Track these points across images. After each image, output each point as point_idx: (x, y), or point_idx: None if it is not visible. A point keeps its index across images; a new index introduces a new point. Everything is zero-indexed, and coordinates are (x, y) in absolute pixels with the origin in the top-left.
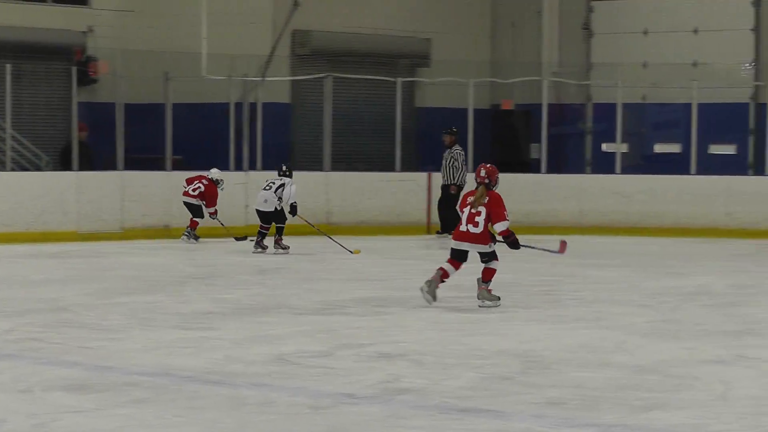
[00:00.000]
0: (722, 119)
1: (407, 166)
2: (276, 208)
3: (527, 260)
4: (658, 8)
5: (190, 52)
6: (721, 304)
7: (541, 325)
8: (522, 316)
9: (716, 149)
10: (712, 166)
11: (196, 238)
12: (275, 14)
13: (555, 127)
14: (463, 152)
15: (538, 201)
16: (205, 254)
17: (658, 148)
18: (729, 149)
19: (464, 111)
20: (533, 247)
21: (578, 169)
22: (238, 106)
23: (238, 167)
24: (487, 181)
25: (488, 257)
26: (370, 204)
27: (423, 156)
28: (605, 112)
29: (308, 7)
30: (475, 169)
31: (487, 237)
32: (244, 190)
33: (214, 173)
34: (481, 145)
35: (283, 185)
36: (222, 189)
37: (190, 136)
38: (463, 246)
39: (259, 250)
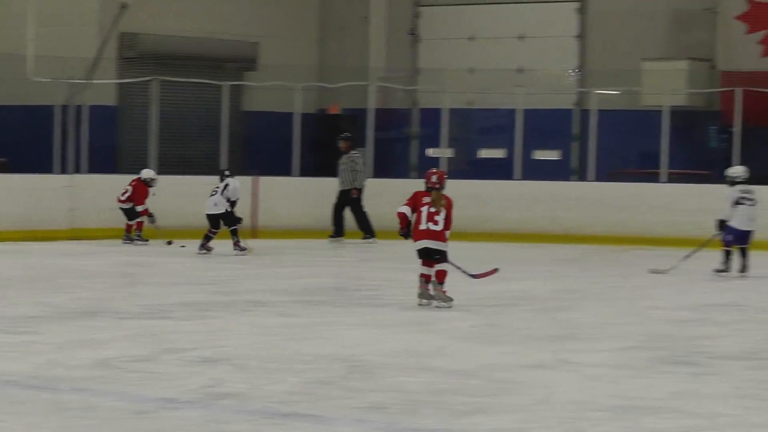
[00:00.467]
0: (547, 125)
1: (234, 170)
2: (226, 210)
3: (352, 264)
4: (484, 14)
5: (15, 53)
6: (545, 308)
7: (364, 330)
8: (346, 321)
9: (541, 155)
10: (537, 171)
11: (145, 240)
12: (102, 16)
13: (381, 131)
14: (361, 156)
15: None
16: (30, 257)
17: (484, 153)
18: (553, 155)
19: (291, 115)
20: (457, 267)
21: (404, 173)
22: (65, 108)
23: (64, 170)
24: (438, 186)
25: (443, 257)
26: (197, 208)
27: (250, 160)
28: (431, 117)
29: (136, 9)
30: (425, 175)
31: (445, 236)
32: (70, 194)
33: (144, 173)
34: (307, 150)
35: (227, 185)
36: (153, 188)
37: (15, 139)
38: (425, 244)
39: (204, 251)
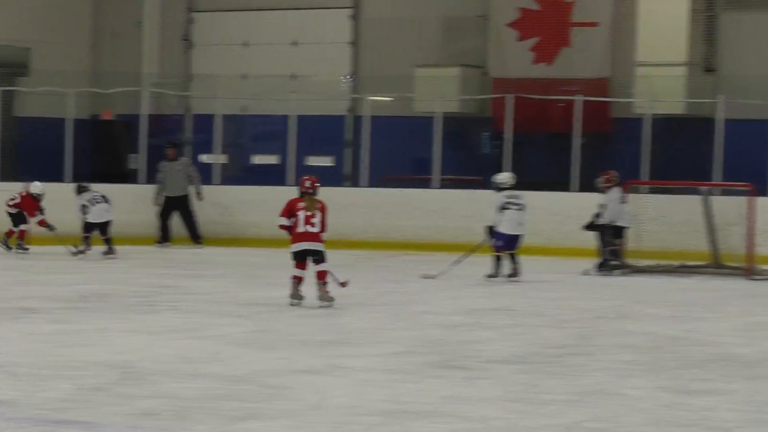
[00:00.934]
0: (320, 131)
1: (6, 176)
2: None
3: (124, 271)
4: (258, 20)
5: None
6: (317, 314)
7: (137, 336)
8: (118, 327)
9: (314, 161)
10: None
11: (25, 248)
12: None
13: (155, 137)
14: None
15: (137, 212)
16: None
17: (257, 159)
18: (326, 161)
19: (64, 121)
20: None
21: None
22: None
23: None
24: (311, 191)
25: (322, 257)
26: None
27: (22, 166)
28: (205, 123)
29: None
30: (299, 181)
31: (322, 238)
32: None
33: (33, 187)
34: (81, 156)
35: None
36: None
37: None
38: (304, 246)
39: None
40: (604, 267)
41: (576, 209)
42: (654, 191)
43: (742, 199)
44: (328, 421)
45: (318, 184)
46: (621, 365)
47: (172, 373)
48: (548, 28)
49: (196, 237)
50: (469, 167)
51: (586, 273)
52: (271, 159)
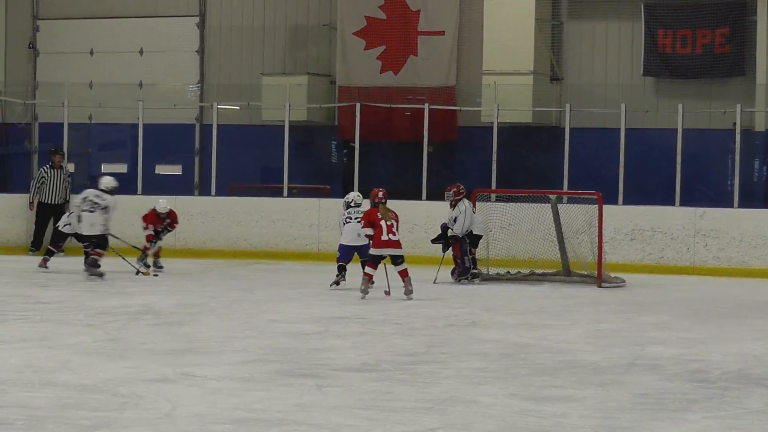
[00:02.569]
0: (169, 139)
1: None
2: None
3: None
4: (105, 28)
5: None
6: (166, 323)
7: None
8: None
9: (163, 169)
10: (160, 186)
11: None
12: None
13: (0, 146)
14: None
15: None
16: None
17: (105, 167)
18: (175, 169)
19: None
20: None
21: (25, 189)
22: None
23: None
24: (384, 201)
25: (402, 260)
26: None
27: None
28: (52, 131)
29: None
30: (371, 193)
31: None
32: None
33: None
34: None
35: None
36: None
37: None
38: (386, 252)
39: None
40: (464, 275)
41: (425, 217)
42: (501, 199)
43: (591, 207)
44: (180, 430)
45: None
46: (472, 372)
47: (23, 382)
48: (394, 36)
49: (35, 242)
50: (318, 176)
51: (436, 281)
52: (120, 168)
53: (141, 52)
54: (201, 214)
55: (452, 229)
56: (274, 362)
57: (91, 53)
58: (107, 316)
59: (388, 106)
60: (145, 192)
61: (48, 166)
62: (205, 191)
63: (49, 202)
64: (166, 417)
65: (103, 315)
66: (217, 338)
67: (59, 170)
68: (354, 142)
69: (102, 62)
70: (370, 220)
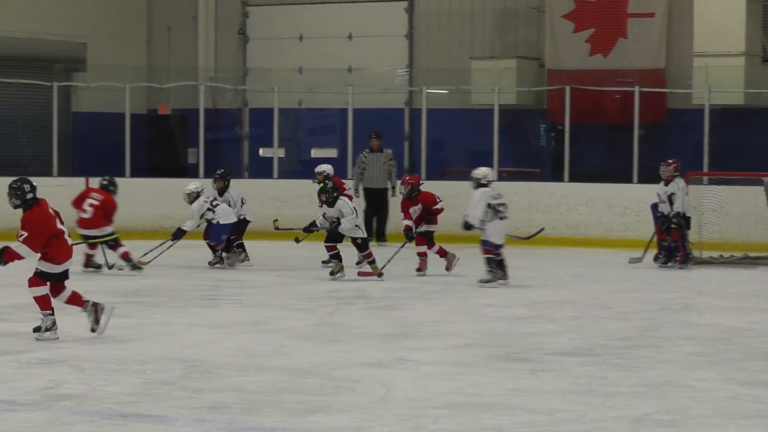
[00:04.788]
0: (378, 124)
1: (63, 171)
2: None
3: (187, 266)
4: (313, 14)
5: None
6: (379, 307)
7: (200, 330)
8: (181, 321)
9: (318, 153)
10: None
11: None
12: None
13: (212, 132)
14: None
15: None
16: None
17: (315, 152)
18: (331, 153)
19: (121, 116)
20: None
21: (236, 174)
22: None
23: None
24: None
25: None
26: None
27: (80, 161)
28: (261, 117)
29: None
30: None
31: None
32: None
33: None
34: (137, 151)
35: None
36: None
37: None
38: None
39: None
40: (686, 261)
41: (636, 201)
42: (714, 182)
43: None
44: (395, 414)
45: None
46: (687, 357)
47: (237, 366)
48: (604, 19)
49: (381, 234)
50: (527, 159)
51: (633, 260)
52: (330, 152)
53: (350, 37)
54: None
55: (672, 209)
56: (487, 346)
57: (301, 38)
58: (319, 300)
59: (598, 89)
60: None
61: (367, 150)
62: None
63: (372, 186)
64: (380, 401)
65: (315, 299)
66: (429, 322)
67: (378, 153)
68: (563, 125)
69: (311, 47)
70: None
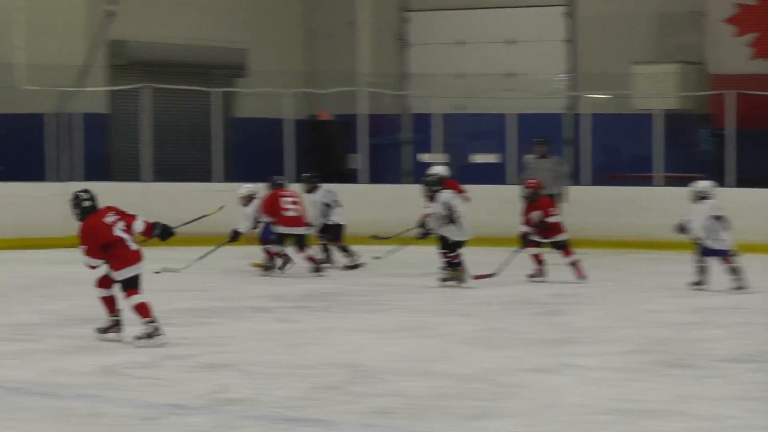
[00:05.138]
0: (538, 129)
1: (224, 177)
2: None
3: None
4: (473, 19)
5: (3, 62)
6: (543, 312)
7: (364, 335)
8: (345, 326)
9: (480, 158)
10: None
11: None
12: (90, 24)
13: (372, 137)
14: None
15: (358, 211)
16: (25, 265)
17: (477, 158)
18: (494, 158)
19: (281, 121)
20: None
21: (396, 179)
22: (55, 116)
23: (58, 178)
24: None
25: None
26: (189, 215)
27: (240, 167)
28: (421, 122)
29: (124, 17)
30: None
31: None
32: (62, 202)
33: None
34: (298, 156)
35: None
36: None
37: (6, 147)
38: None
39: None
40: None
41: None
42: None
43: None
44: (562, 420)
45: None
46: None
47: (402, 371)
48: (767, 23)
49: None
50: (689, 164)
51: None
52: (491, 158)
53: (509, 42)
54: (574, 204)
55: None
56: (652, 352)
57: (460, 44)
58: (483, 305)
59: (763, 94)
60: (517, 182)
61: (534, 155)
62: (576, 180)
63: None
64: (548, 407)
65: (479, 304)
66: (593, 328)
67: (545, 159)
68: (726, 130)
69: (470, 53)
70: None
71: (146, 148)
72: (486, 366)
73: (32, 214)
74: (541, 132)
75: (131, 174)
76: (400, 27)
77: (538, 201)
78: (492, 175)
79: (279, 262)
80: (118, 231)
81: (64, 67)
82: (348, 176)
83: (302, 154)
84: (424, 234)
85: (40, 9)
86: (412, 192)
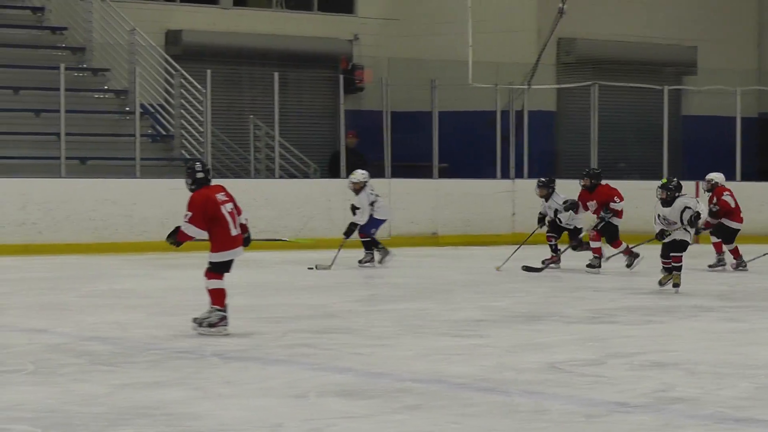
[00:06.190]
0: None
1: (673, 175)
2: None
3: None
4: None
5: (455, 60)
6: None
7: None
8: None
9: None
10: None
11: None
12: (540, 22)
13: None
14: None
15: None
16: (473, 261)
17: None
18: None
19: (730, 120)
20: None
21: None
22: (504, 114)
23: (504, 175)
24: None
25: None
26: (635, 213)
27: (689, 164)
28: None
29: (573, 15)
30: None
31: None
32: (511, 199)
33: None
34: (746, 155)
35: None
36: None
37: (455, 144)
38: None
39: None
40: None
41: None
42: None
43: None
44: None
45: None
46: None
47: None
48: None
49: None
50: None
51: None
52: None
53: None
54: None
55: None
56: None
57: None
58: None
59: None
60: None
61: None
62: None
63: None
64: None
65: None
66: None
67: None
68: None
69: None
70: None
71: (594, 146)
72: None
73: (480, 211)
74: None
75: (577, 171)
76: None
77: (597, 189)
78: None
79: (378, 255)
80: (225, 211)
81: (512, 65)
82: None
83: (753, 153)
84: None
85: (489, 7)
86: None
